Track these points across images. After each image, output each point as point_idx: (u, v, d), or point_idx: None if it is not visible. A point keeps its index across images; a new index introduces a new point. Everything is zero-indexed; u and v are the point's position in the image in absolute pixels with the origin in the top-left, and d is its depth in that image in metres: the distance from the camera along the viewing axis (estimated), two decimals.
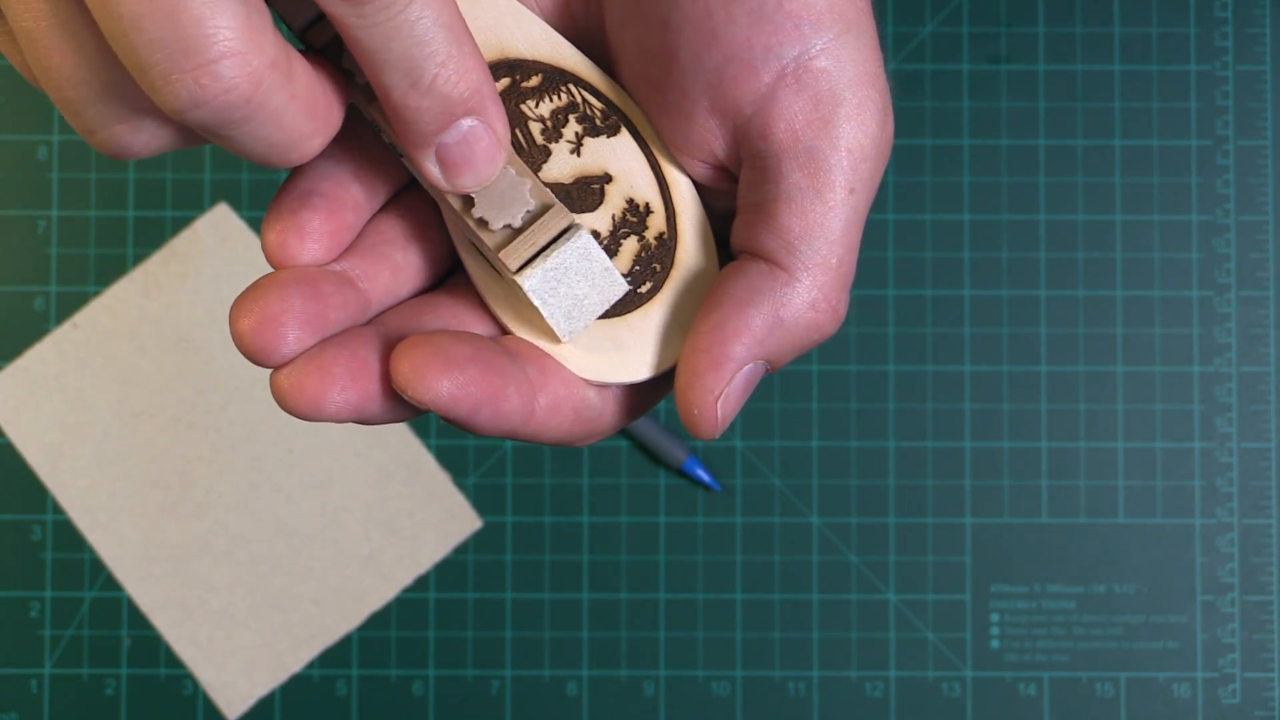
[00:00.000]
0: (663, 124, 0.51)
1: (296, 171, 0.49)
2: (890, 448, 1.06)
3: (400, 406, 0.47)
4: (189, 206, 1.07)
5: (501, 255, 0.48)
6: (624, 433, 1.05)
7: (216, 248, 1.06)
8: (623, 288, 0.49)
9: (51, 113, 1.07)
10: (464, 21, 0.45)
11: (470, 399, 0.45)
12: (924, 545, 1.05)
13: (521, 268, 0.48)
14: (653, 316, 0.50)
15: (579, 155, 0.51)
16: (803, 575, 1.05)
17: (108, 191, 1.07)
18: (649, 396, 0.51)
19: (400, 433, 1.05)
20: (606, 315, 0.50)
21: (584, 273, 0.48)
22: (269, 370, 0.47)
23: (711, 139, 0.50)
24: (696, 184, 0.51)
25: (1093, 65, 1.07)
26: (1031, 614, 1.05)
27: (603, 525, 1.06)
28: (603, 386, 0.50)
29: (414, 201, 0.51)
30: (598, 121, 0.51)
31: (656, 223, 0.51)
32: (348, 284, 0.48)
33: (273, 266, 0.48)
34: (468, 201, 0.48)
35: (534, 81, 0.51)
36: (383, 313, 0.49)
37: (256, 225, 1.07)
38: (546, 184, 0.50)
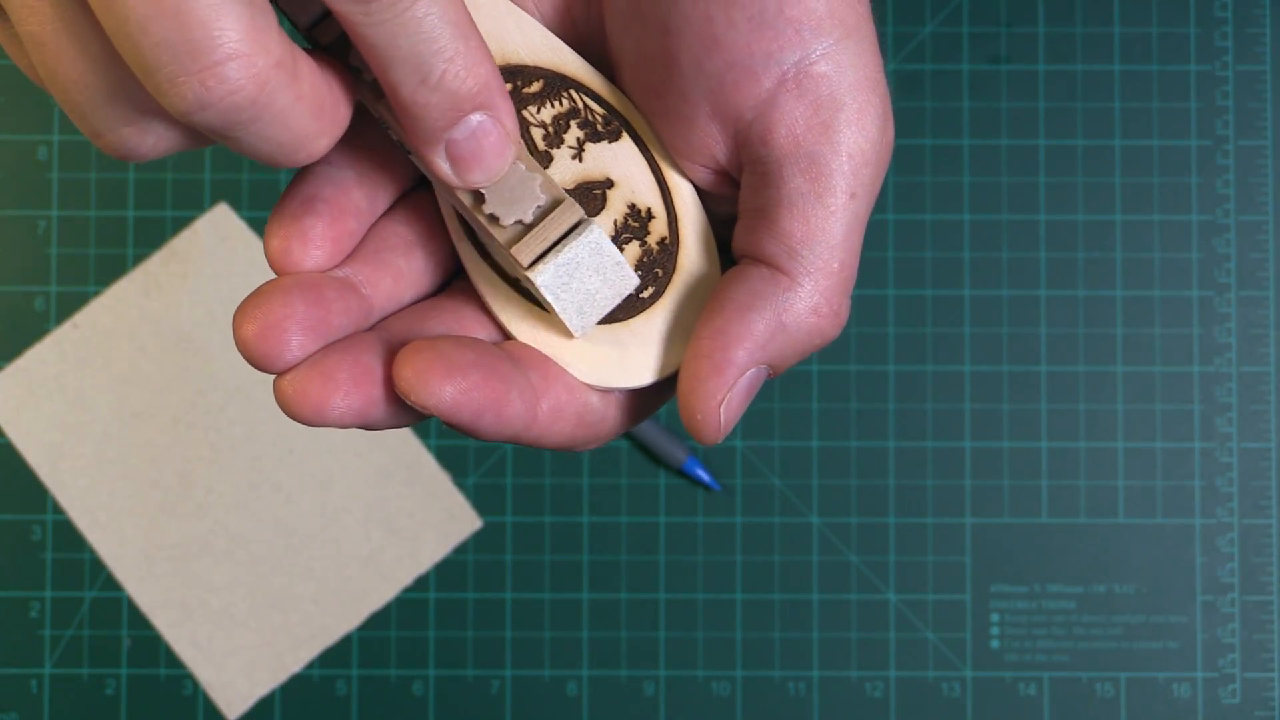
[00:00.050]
0: (664, 129, 0.51)
1: (299, 177, 0.49)
2: (890, 448, 1.06)
3: (403, 412, 0.47)
4: (189, 206, 1.07)
5: (513, 251, 0.48)
6: (624, 433, 1.05)
7: (216, 248, 1.06)
8: (634, 281, 0.49)
9: (51, 113, 1.07)
10: (470, 17, 0.45)
11: (473, 404, 0.45)
12: (924, 545, 1.05)
13: (533, 263, 0.48)
14: (655, 321, 0.50)
15: (580, 161, 0.51)
16: (803, 575, 1.05)
17: (108, 191, 1.07)
18: (651, 401, 0.52)
19: (400, 433, 1.06)
20: (608, 320, 0.50)
21: (595, 267, 0.48)
22: (271, 375, 0.47)
23: (713, 144, 0.50)
24: (698, 189, 0.51)
25: (1093, 65, 1.07)
26: (1031, 614, 1.05)
27: (603, 525, 1.06)
28: (605, 391, 0.50)
29: (417, 207, 0.51)
30: (599, 127, 0.51)
31: (658, 228, 0.51)
32: (350, 290, 0.48)
33: (276, 273, 0.48)
34: (478, 198, 0.48)
35: (535, 87, 0.51)
36: (385, 318, 0.49)
37: (256, 225, 1.07)
38: None
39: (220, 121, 0.42)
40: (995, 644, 1.05)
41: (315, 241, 0.48)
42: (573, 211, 0.48)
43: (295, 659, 1.05)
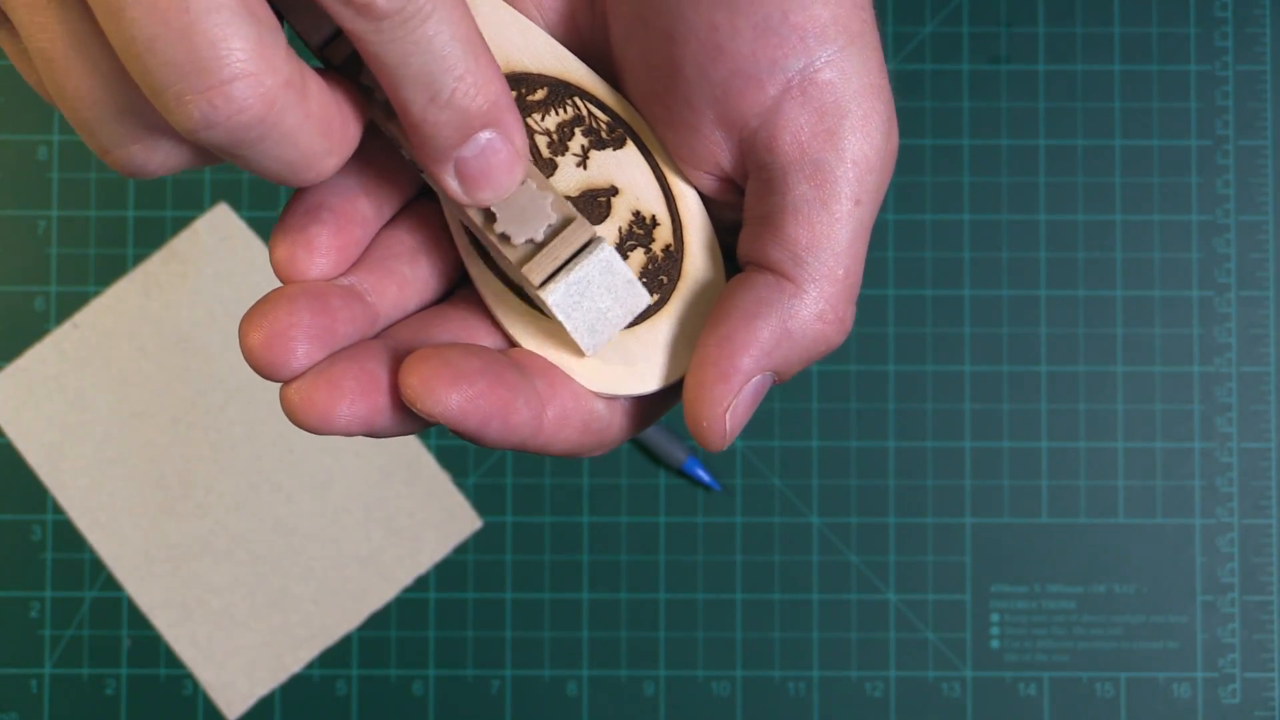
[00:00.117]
0: (668, 136, 0.51)
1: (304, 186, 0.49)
2: (890, 448, 1.06)
3: (409, 419, 0.47)
4: (189, 206, 1.07)
5: (524, 270, 0.48)
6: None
7: (216, 248, 1.06)
8: (645, 300, 0.49)
9: (52, 113, 1.07)
10: (480, 34, 0.45)
11: (479, 412, 0.45)
12: (924, 545, 1.05)
13: (544, 282, 0.48)
14: (660, 328, 0.50)
15: (585, 168, 0.51)
16: (803, 575, 1.05)
17: (108, 191, 1.07)
18: (657, 407, 0.52)
19: None
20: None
21: (607, 286, 0.48)
22: (277, 383, 0.47)
23: (717, 151, 0.50)
24: (702, 196, 0.51)
25: (1093, 65, 1.07)
26: (1031, 614, 1.05)
27: (603, 525, 1.06)
28: (611, 398, 0.50)
29: (421, 215, 0.51)
30: (603, 134, 0.51)
31: (663, 235, 0.51)
32: (356, 298, 0.48)
33: (281, 281, 0.48)
34: (489, 217, 0.48)
35: (539, 95, 0.51)
36: (391, 326, 0.49)
37: (256, 225, 1.07)
38: None
39: (227, 140, 0.42)
40: (995, 644, 1.05)
41: (321, 250, 0.48)
42: (584, 230, 0.48)
43: (295, 659, 1.05)
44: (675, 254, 0.51)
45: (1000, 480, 1.05)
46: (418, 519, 1.06)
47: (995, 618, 1.05)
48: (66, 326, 1.06)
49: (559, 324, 0.48)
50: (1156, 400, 1.06)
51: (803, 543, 1.05)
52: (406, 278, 0.50)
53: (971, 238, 1.06)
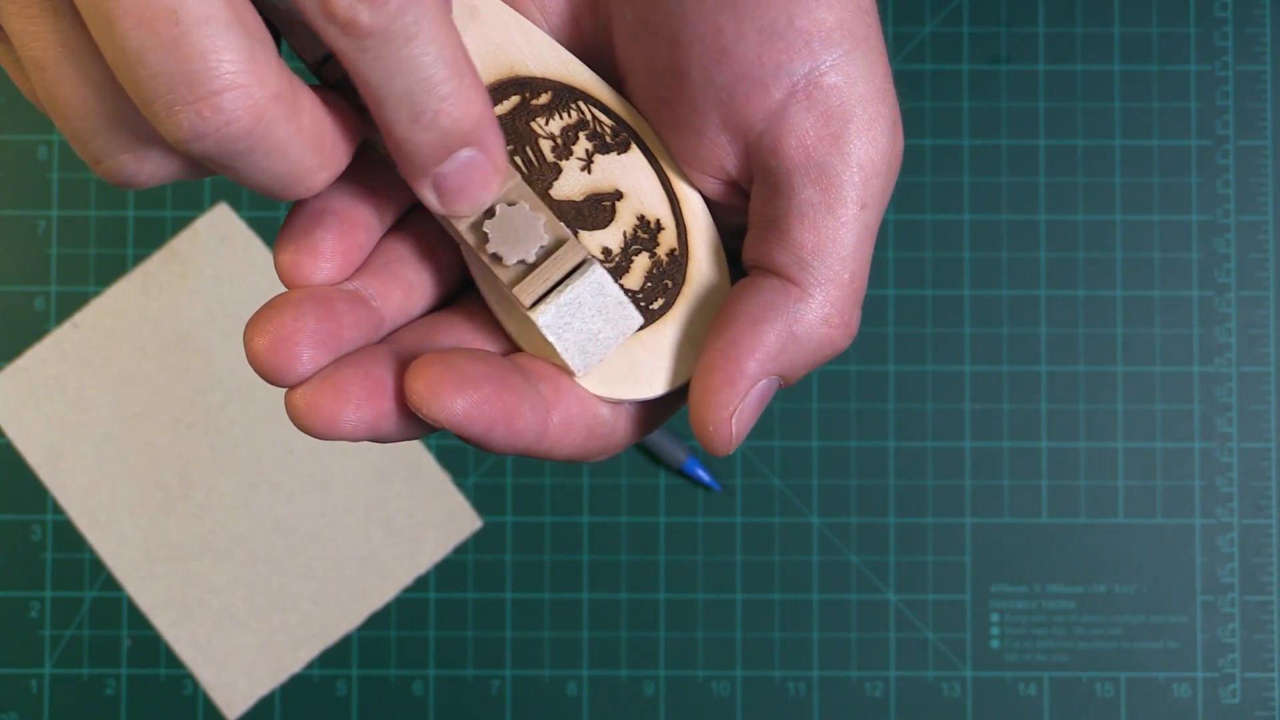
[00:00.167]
0: (673, 140, 0.51)
1: None
2: (890, 448, 1.06)
3: (415, 424, 0.47)
4: (189, 206, 1.07)
5: (515, 291, 0.48)
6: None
7: (216, 248, 1.06)
8: (637, 321, 0.49)
9: None
10: (465, 52, 0.45)
11: (485, 417, 0.45)
12: (924, 545, 1.05)
13: (535, 303, 0.48)
14: (665, 333, 0.50)
15: (590, 172, 0.51)
16: (803, 575, 1.05)
17: (108, 191, 1.07)
18: (662, 412, 0.52)
19: None
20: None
21: (598, 308, 0.48)
22: (283, 388, 0.47)
23: (722, 155, 0.50)
24: (707, 200, 0.51)
25: (1093, 65, 1.07)
26: (1031, 614, 1.05)
27: (603, 525, 1.06)
28: (616, 403, 0.50)
29: (425, 220, 0.51)
30: (608, 138, 0.51)
31: (668, 239, 0.51)
32: (361, 303, 0.48)
33: (286, 286, 0.48)
34: (482, 237, 0.48)
35: (544, 99, 0.51)
36: (395, 331, 0.49)
37: (256, 225, 1.07)
38: (557, 201, 0.50)
39: (217, 151, 0.42)
40: (995, 644, 1.05)
41: (325, 255, 0.48)
42: (576, 252, 0.48)
43: (295, 659, 1.05)
44: (680, 258, 0.51)
45: (1000, 480, 1.05)
46: (418, 519, 1.06)
47: (995, 618, 1.05)
48: (66, 326, 1.06)
49: (551, 346, 0.48)
50: (1156, 400, 1.06)
51: (803, 543, 1.05)
52: (411, 282, 0.50)
53: (971, 238, 1.06)
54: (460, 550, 1.06)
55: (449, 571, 1.06)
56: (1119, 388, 1.06)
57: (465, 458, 1.06)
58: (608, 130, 0.51)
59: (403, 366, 0.46)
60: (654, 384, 0.50)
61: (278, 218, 1.07)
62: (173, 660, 1.05)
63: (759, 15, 0.47)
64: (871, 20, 0.49)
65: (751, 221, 0.50)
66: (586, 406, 0.49)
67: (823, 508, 1.06)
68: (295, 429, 1.05)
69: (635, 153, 0.51)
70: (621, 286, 0.50)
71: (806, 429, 1.06)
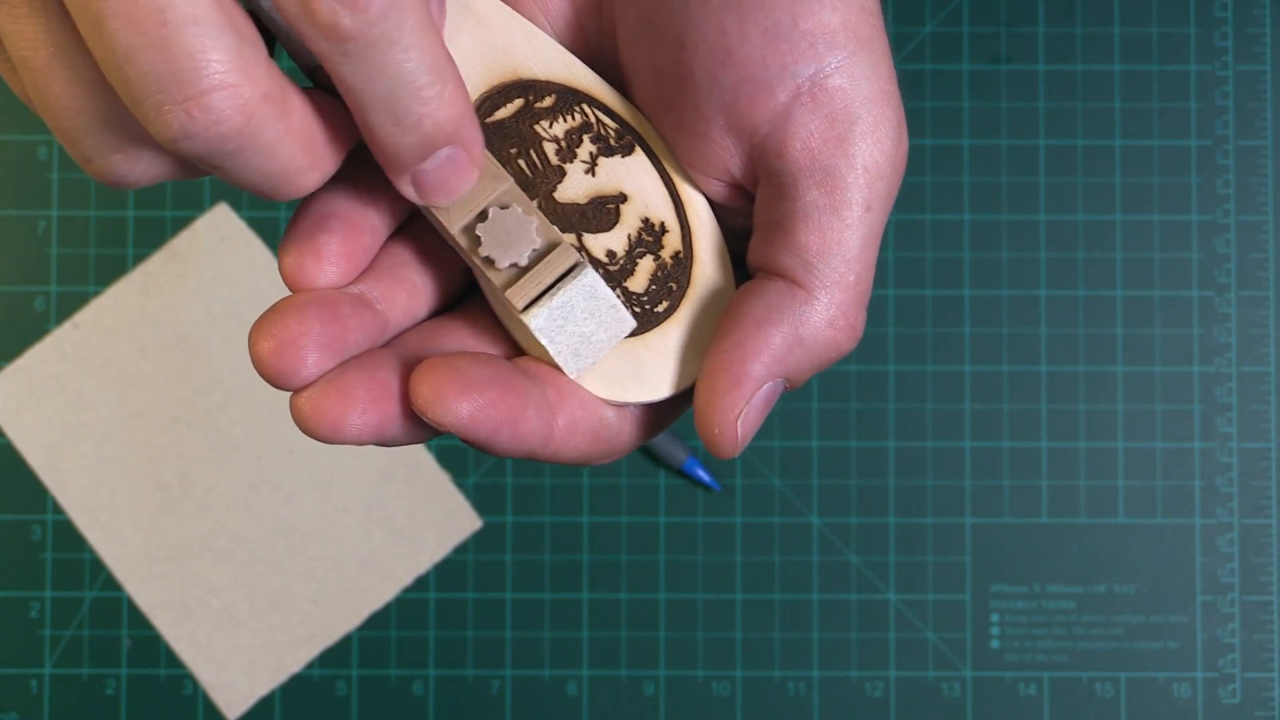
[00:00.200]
0: (677, 143, 0.51)
1: (312, 195, 0.49)
2: (890, 448, 1.06)
3: (420, 428, 0.47)
4: (189, 206, 1.07)
5: (508, 294, 0.48)
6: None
7: (216, 248, 1.06)
8: (630, 325, 0.49)
9: None
10: (447, 52, 0.45)
11: (490, 421, 0.45)
12: (924, 545, 1.05)
13: (528, 306, 0.48)
14: (670, 335, 0.50)
15: (594, 175, 0.51)
16: (803, 575, 1.05)
17: (108, 191, 1.07)
18: (667, 415, 0.52)
19: None
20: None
21: (590, 311, 0.48)
22: (288, 392, 0.47)
23: (727, 157, 0.50)
24: (712, 202, 0.51)
25: (1093, 65, 1.07)
26: (1031, 614, 1.05)
27: (603, 525, 1.06)
28: (621, 406, 0.50)
29: (429, 223, 0.51)
30: (612, 141, 0.51)
31: (672, 242, 0.51)
32: (366, 306, 0.48)
33: (291, 290, 0.48)
34: (474, 240, 0.48)
35: (548, 102, 0.51)
36: (400, 334, 0.49)
37: (256, 225, 1.07)
38: (562, 204, 0.50)
39: (206, 151, 0.42)
40: (995, 644, 1.05)
41: (330, 258, 0.48)
42: (568, 255, 0.48)
43: (295, 659, 1.05)
44: (685, 261, 0.51)
45: (1000, 480, 1.05)
46: (418, 519, 1.06)
47: (995, 618, 1.05)
48: (66, 326, 1.06)
49: (543, 349, 0.48)
50: (1156, 400, 1.06)
51: (803, 543, 1.05)
52: (415, 285, 0.50)
53: (971, 238, 1.06)
54: (460, 550, 1.06)
55: (449, 571, 1.06)
56: (1119, 388, 1.06)
57: (465, 458, 1.06)
58: (612, 133, 0.51)
59: (407, 370, 0.46)
60: (659, 387, 0.50)
61: (278, 218, 1.07)
62: (173, 660, 1.05)
63: (763, 17, 0.47)
64: (876, 22, 0.49)
65: (756, 224, 0.50)
66: (591, 410, 0.49)
67: (823, 508, 1.06)
68: (295, 429, 1.05)
69: (639, 155, 0.51)
70: (626, 289, 0.50)
71: (806, 429, 1.06)
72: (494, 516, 1.06)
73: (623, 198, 0.51)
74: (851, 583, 1.05)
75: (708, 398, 0.48)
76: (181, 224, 1.07)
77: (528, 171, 0.50)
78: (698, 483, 1.05)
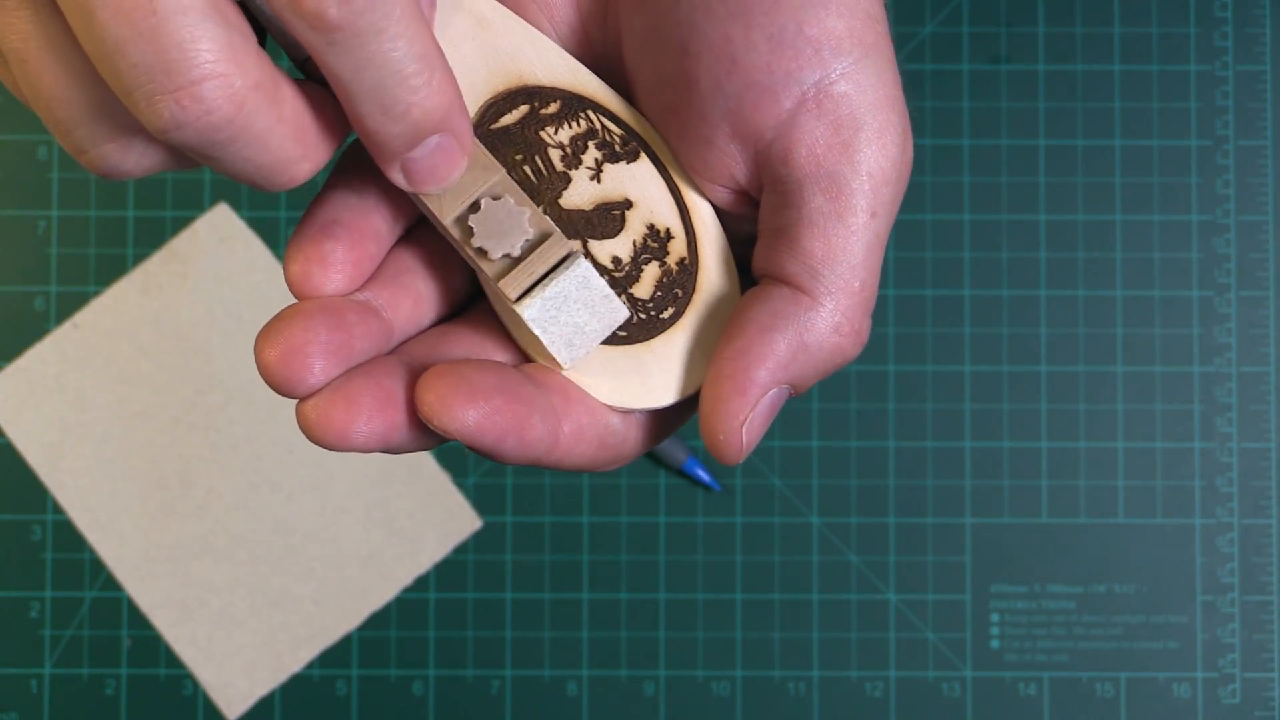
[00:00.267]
0: (682, 149, 0.51)
1: (317, 202, 0.49)
2: (890, 448, 1.06)
3: (426, 436, 0.47)
4: (189, 206, 1.07)
5: (500, 285, 0.48)
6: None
7: (216, 248, 1.06)
8: (623, 314, 0.49)
9: None
10: (435, 41, 0.45)
11: (496, 428, 0.45)
12: (924, 545, 1.05)
13: (521, 297, 0.48)
14: (675, 341, 0.50)
15: (599, 181, 0.51)
16: (803, 575, 1.05)
17: (108, 191, 1.07)
18: (672, 421, 0.51)
19: None
20: (629, 341, 0.50)
21: (584, 301, 0.48)
22: (294, 399, 0.47)
23: (732, 164, 0.50)
24: (717, 209, 0.51)
25: (1093, 65, 1.07)
26: (1031, 614, 1.05)
27: (603, 525, 1.06)
28: (626, 412, 0.50)
29: (434, 230, 0.51)
30: (617, 147, 0.51)
31: (678, 248, 0.51)
32: (371, 313, 0.48)
33: (297, 297, 0.48)
34: (467, 231, 0.48)
35: (553, 108, 0.51)
36: (406, 341, 0.49)
37: (256, 225, 1.07)
38: (567, 211, 0.50)
39: (197, 141, 0.42)
40: (995, 644, 1.05)
41: (335, 266, 0.48)
42: (561, 245, 0.48)
43: (295, 659, 1.05)
44: (690, 267, 0.51)
45: (1000, 480, 1.05)
46: (418, 519, 1.06)
47: (995, 618, 1.05)
48: (66, 326, 1.06)
49: (537, 339, 0.48)
50: (1156, 400, 1.06)
51: (803, 543, 1.05)
52: (421, 293, 0.50)
53: (971, 238, 1.06)
54: (460, 550, 1.06)
55: (449, 571, 1.06)
56: (1119, 388, 1.06)
57: (465, 458, 1.06)
58: (617, 139, 0.51)
59: (413, 377, 0.46)
60: (665, 394, 0.50)
61: (278, 218, 1.07)
62: (173, 660, 1.05)
63: (769, 23, 0.47)
64: (881, 28, 0.49)
65: (761, 230, 0.50)
66: (597, 416, 0.49)
67: (823, 508, 1.06)
68: (295, 429, 1.05)
69: (644, 162, 0.51)
70: (631, 296, 0.50)
71: (806, 429, 1.06)
72: (494, 516, 1.06)
73: (628, 204, 0.51)
74: (851, 583, 1.05)
75: (713, 404, 0.48)
76: (181, 224, 1.07)
77: (533, 178, 0.50)
78: (698, 483, 1.05)
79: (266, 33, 0.47)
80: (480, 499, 1.06)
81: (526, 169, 0.50)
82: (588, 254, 0.50)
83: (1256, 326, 1.06)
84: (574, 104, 0.51)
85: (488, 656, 1.05)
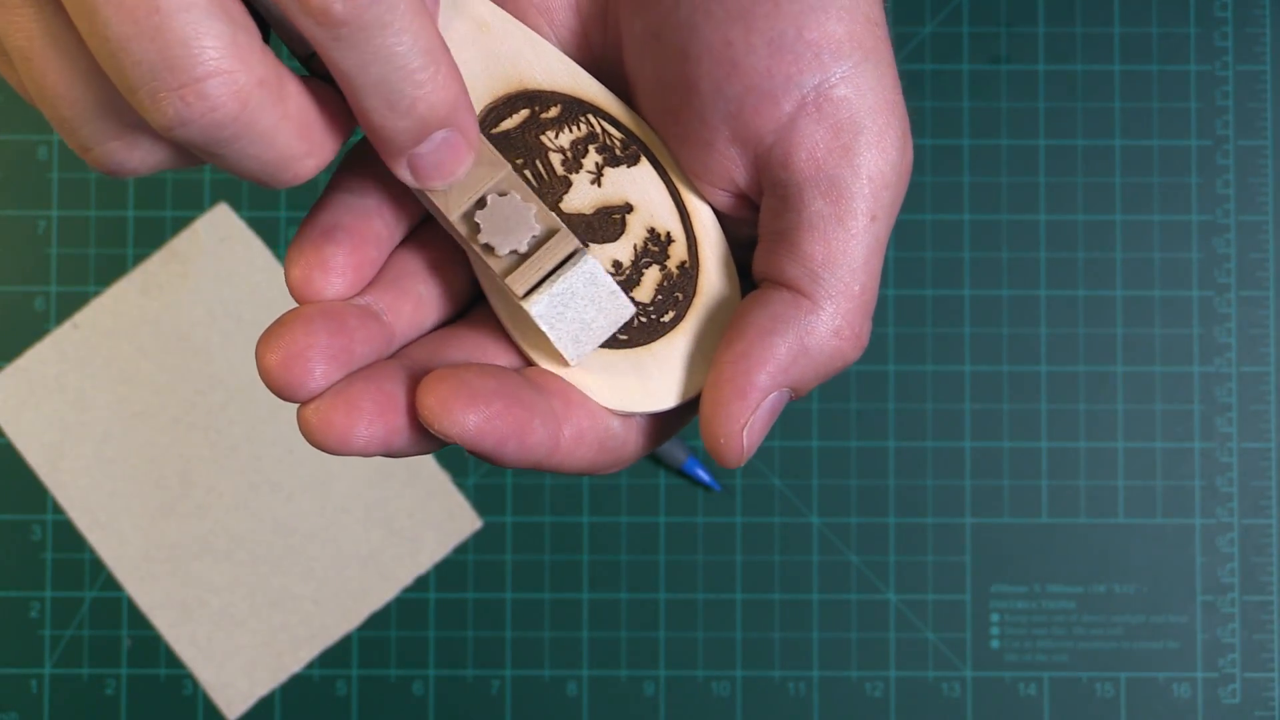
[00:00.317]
0: (682, 153, 0.51)
1: (318, 206, 0.49)
2: (890, 448, 1.06)
3: (426, 440, 0.47)
4: (189, 206, 1.07)
5: (508, 281, 0.48)
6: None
7: (216, 248, 1.06)
8: (629, 310, 0.49)
9: None
10: (439, 35, 0.45)
11: (496, 432, 0.46)
12: (924, 545, 1.05)
13: (528, 293, 0.48)
14: (676, 345, 0.50)
15: (599, 185, 0.51)
16: (803, 575, 1.05)
17: (108, 191, 1.07)
18: (672, 424, 0.51)
19: None
20: (630, 345, 0.50)
21: (590, 297, 0.48)
22: (295, 404, 0.47)
23: (732, 168, 0.50)
24: (717, 212, 0.51)
25: (1093, 65, 1.07)
26: (1031, 614, 1.05)
27: (603, 525, 1.06)
28: (627, 416, 0.50)
29: (435, 233, 0.51)
30: (617, 151, 0.51)
31: (678, 251, 0.51)
32: (372, 318, 0.48)
33: (297, 301, 0.48)
34: (473, 227, 0.48)
35: (553, 112, 0.51)
36: (406, 345, 0.49)
37: (256, 225, 1.07)
38: (568, 215, 0.50)
39: (202, 138, 0.42)
40: (995, 644, 1.05)
41: (336, 270, 0.48)
42: (568, 241, 0.48)
43: (295, 659, 1.05)
44: (690, 271, 0.51)
45: (1000, 480, 1.05)
46: (418, 519, 1.06)
47: (995, 618, 1.05)
48: (66, 326, 1.06)
49: (544, 335, 0.48)
50: (1156, 400, 1.06)
51: (803, 543, 1.06)
52: (421, 297, 0.50)
53: (971, 238, 1.06)
54: (460, 550, 1.06)
55: (449, 571, 1.06)
56: (1119, 388, 1.06)
57: (465, 458, 1.06)
58: (617, 143, 0.51)
59: (414, 381, 0.46)
60: (665, 397, 0.50)
61: (278, 218, 1.07)
62: (173, 660, 1.05)
63: (768, 27, 0.47)
64: (880, 32, 0.49)
65: (761, 234, 0.50)
66: (597, 420, 0.49)
67: (823, 508, 1.06)
68: (295, 429, 1.05)
69: (645, 165, 0.51)
70: (632, 299, 0.50)
71: (806, 429, 1.06)
72: (494, 516, 1.06)
73: (628, 208, 0.51)
74: (851, 583, 1.05)
75: (713, 408, 0.48)
76: (181, 224, 1.07)
77: (533, 182, 0.50)
78: (698, 483, 1.05)
79: (270, 29, 0.47)
80: (480, 499, 1.06)
81: (527, 173, 0.50)
82: None
83: (1256, 326, 1.06)
84: (574, 108, 0.51)
85: (488, 656, 1.05)
